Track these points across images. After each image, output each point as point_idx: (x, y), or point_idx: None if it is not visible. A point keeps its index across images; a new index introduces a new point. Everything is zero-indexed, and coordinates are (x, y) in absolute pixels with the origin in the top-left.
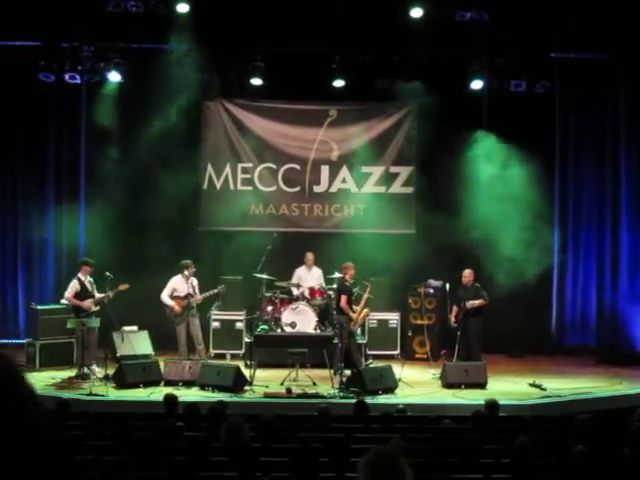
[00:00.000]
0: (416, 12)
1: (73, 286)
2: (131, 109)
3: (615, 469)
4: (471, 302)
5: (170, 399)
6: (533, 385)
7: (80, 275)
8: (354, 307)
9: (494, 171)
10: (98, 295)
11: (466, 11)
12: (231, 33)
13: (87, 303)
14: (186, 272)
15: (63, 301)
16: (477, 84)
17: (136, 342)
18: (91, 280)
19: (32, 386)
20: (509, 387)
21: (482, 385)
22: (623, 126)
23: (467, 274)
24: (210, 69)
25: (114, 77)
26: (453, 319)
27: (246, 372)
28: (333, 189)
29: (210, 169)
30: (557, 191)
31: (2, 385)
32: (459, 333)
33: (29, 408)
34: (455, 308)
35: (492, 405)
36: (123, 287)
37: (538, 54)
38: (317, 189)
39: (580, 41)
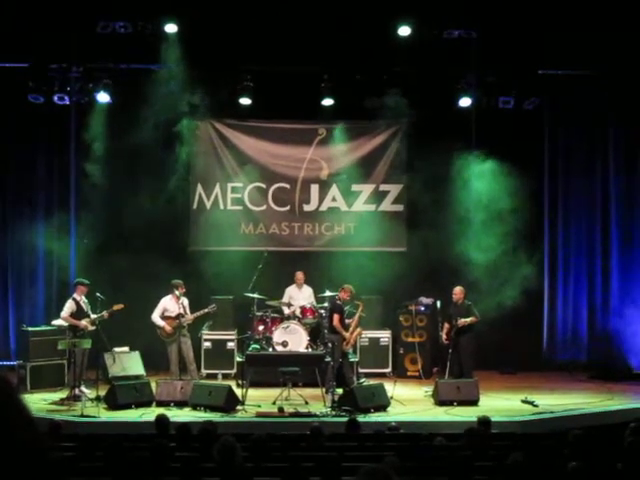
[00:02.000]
0: (404, 30)
1: (69, 306)
2: (120, 130)
3: None
4: (462, 320)
5: (162, 420)
6: (525, 401)
7: (75, 295)
8: (347, 322)
9: (484, 189)
10: (93, 315)
11: (454, 29)
12: (220, 53)
13: (84, 322)
14: (176, 292)
15: (58, 321)
16: (465, 101)
17: (127, 363)
18: (85, 301)
19: (27, 408)
20: (501, 404)
21: (474, 402)
22: (612, 143)
23: (457, 291)
24: (199, 89)
25: (103, 98)
26: (444, 336)
27: (238, 392)
28: (323, 208)
29: (200, 189)
30: (547, 208)
31: None
32: (450, 350)
33: (22, 430)
34: (446, 325)
35: (484, 422)
36: (118, 307)
37: (526, 71)
38: (307, 208)
39: (568, 58)
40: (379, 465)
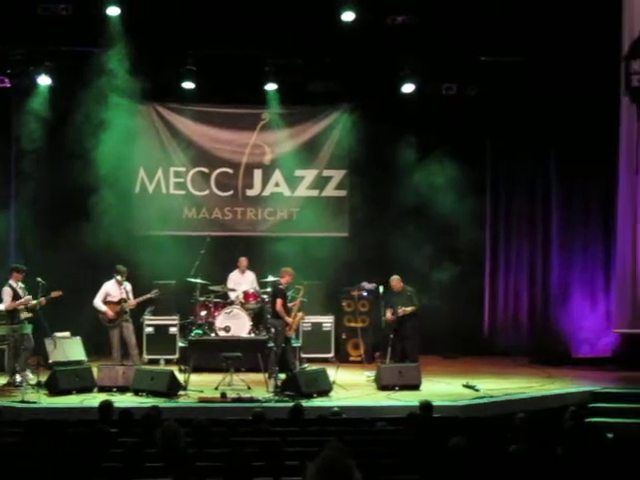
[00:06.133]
0: (347, 15)
1: (7, 293)
2: (61, 112)
3: (548, 468)
4: (402, 309)
5: (106, 406)
6: (467, 386)
7: (11, 282)
8: (289, 305)
9: (426, 173)
10: (32, 301)
11: (397, 15)
12: (162, 36)
13: (24, 300)
14: (118, 277)
15: (1, 306)
16: (409, 87)
17: (69, 348)
18: (22, 286)
19: None
20: (443, 388)
21: (416, 386)
22: (553, 126)
23: (395, 281)
24: (142, 72)
25: (44, 80)
26: (389, 316)
27: (180, 377)
28: (266, 193)
29: (142, 173)
30: (488, 198)
31: None
32: (392, 335)
33: None
34: (389, 311)
35: (426, 406)
36: (56, 294)
37: (468, 57)
38: (250, 193)
39: (509, 44)
40: (335, 453)
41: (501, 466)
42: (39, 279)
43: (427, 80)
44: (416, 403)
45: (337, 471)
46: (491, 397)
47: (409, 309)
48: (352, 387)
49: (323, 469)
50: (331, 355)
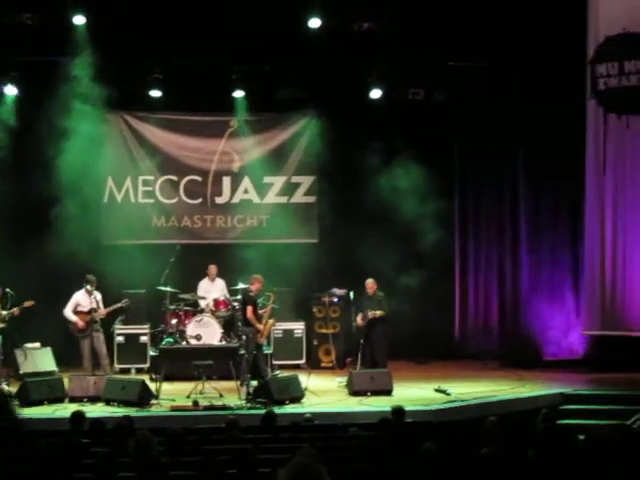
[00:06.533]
0: (314, 22)
1: None
2: (28, 122)
3: (520, 471)
4: (372, 312)
5: (77, 416)
6: (438, 390)
7: None
8: (260, 312)
9: (394, 178)
10: (2, 312)
11: (363, 21)
12: (129, 44)
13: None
14: (88, 287)
15: None
16: (376, 93)
17: (39, 359)
18: None
19: None
20: (415, 393)
21: (388, 392)
22: (520, 130)
23: (370, 284)
24: (108, 81)
25: (10, 90)
26: (359, 321)
27: (152, 386)
28: (235, 200)
29: (111, 182)
30: (457, 204)
31: None
32: (362, 341)
33: None
34: (360, 315)
35: (398, 411)
36: (28, 304)
37: (435, 63)
38: (219, 200)
39: (476, 49)
40: (306, 459)
41: (473, 470)
42: (8, 290)
43: (394, 86)
44: (388, 408)
45: (309, 477)
46: (463, 401)
47: (379, 313)
48: (324, 393)
49: (295, 475)
50: (302, 361)
